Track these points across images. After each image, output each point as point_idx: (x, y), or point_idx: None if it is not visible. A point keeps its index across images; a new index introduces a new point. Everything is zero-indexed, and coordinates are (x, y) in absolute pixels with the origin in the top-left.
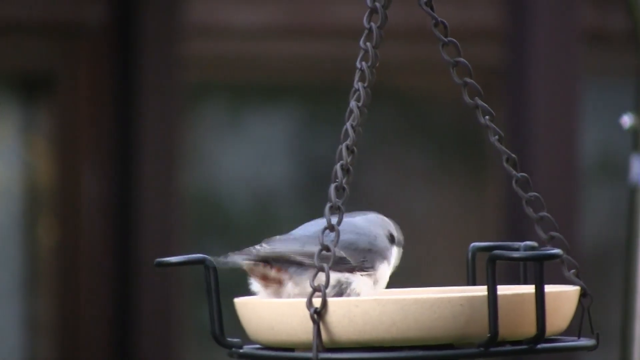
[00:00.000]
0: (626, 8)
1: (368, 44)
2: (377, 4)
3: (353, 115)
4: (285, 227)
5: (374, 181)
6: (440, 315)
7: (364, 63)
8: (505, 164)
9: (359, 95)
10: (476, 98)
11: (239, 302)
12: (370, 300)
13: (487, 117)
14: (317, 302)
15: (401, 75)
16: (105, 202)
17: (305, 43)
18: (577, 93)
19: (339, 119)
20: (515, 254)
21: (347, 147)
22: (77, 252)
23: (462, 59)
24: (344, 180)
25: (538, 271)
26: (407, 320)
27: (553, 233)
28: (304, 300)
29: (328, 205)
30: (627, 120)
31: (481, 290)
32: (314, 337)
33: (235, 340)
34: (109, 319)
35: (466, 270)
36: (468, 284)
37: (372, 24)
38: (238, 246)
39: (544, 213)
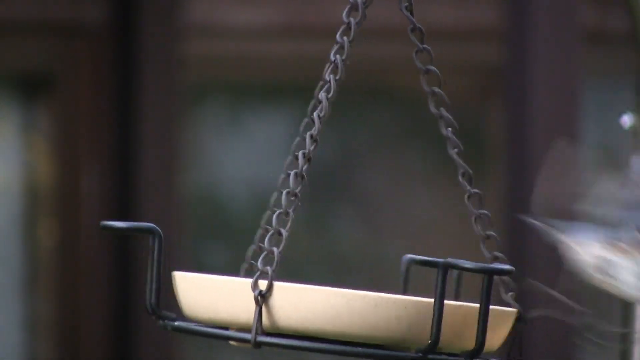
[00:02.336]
0: (626, 8)
1: (345, 38)
2: (359, 0)
3: (321, 106)
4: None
5: (373, 181)
6: (383, 315)
7: (338, 56)
8: (460, 179)
9: (329, 87)
10: (442, 109)
11: (180, 275)
12: (318, 289)
13: (449, 129)
14: (263, 284)
15: (400, 75)
16: (105, 202)
17: (306, 43)
18: (577, 93)
19: (340, 119)
20: (467, 264)
21: (312, 136)
22: (77, 252)
23: (433, 68)
24: (304, 168)
25: (486, 285)
26: (352, 316)
27: (497, 253)
28: (251, 280)
29: (285, 192)
30: (627, 120)
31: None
32: (254, 319)
33: (169, 313)
34: (109, 319)
35: (401, 281)
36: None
37: (352, 19)
38: (238, 246)
39: (491, 232)
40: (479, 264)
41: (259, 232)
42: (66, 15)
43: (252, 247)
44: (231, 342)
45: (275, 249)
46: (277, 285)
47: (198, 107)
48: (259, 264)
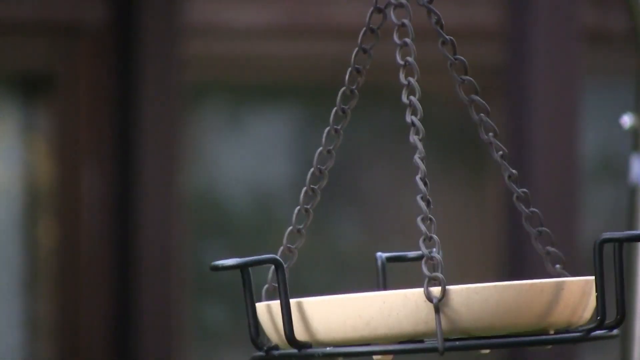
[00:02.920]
0: (626, 7)
1: (407, 39)
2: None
3: (413, 109)
4: (285, 227)
5: (373, 181)
6: (547, 300)
7: (408, 58)
8: (498, 159)
9: (413, 89)
10: (472, 95)
11: (314, 301)
12: (489, 287)
13: (481, 114)
14: (436, 290)
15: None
16: (106, 202)
17: (306, 43)
18: (577, 93)
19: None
20: (618, 235)
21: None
22: (77, 252)
23: (460, 57)
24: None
25: (618, 254)
26: (520, 307)
27: (549, 248)
28: (416, 290)
29: (419, 196)
30: (627, 120)
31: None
32: (437, 327)
33: (304, 341)
34: (109, 319)
35: (376, 277)
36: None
37: (405, 20)
38: (238, 246)
39: (543, 228)
40: (628, 232)
41: (281, 249)
42: (66, 16)
43: (272, 268)
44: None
45: (436, 254)
46: (451, 289)
47: (198, 107)
48: (424, 270)
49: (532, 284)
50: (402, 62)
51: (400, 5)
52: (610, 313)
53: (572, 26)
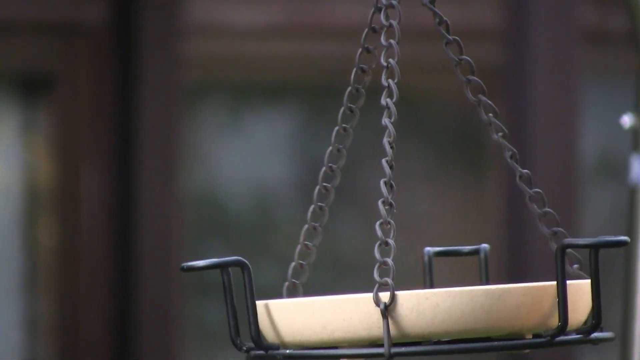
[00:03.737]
0: (626, 8)
1: (391, 40)
2: (392, 1)
3: (389, 112)
4: (285, 227)
5: (373, 181)
6: (506, 306)
7: (391, 60)
8: (509, 160)
9: (391, 92)
10: (480, 95)
11: (279, 302)
12: (441, 292)
13: (490, 114)
14: (385, 296)
15: (401, 74)
16: (106, 202)
17: (306, 43)
18: (577, 93)
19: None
20: (581, 241)
21: (389, 143)
22: (77, 252)
23: (465, 57)
24: (391, 177)
25: (594, 261)
26: (475, 312)
27: (556, 229)
28: (368, 295)
29: (380, 201)
30: (627, 120)
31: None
32: (384, 333)
33: (273, 343)
34: (109, 319)
35: (423, 273)
36: (425, 287)
37: (392, 21)
38: (238, 245)
39: (547, 209)
40: (592, 239)
41: (299, 247)
42: (66, 15)
43: (293, 264)
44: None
45: (389, 260)
46: (400, 294)
47: (198, 107)
48: (375, 276)
49: (486, 290)
50: (384, 64)
51: (391, 6)
52: (606, 317)
53: (572, 26)
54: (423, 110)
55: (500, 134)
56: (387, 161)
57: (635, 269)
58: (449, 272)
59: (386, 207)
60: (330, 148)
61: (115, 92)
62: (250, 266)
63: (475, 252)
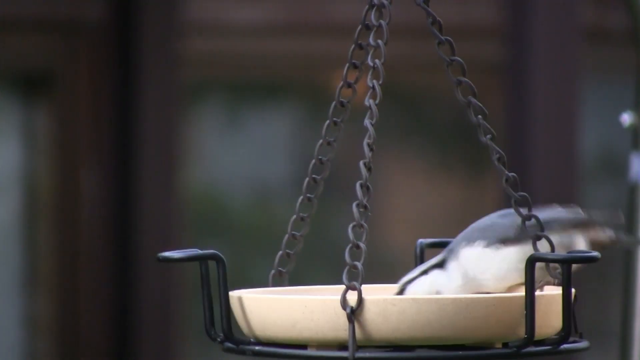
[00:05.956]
0: (626, 5)
1: (379, 40)
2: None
3: (370, 113)
4: (285, 225)
5: (374, 179)
6: (473, 316)
7: (377, 60)
8: (496, 163)
9: (375, 93)
10: (469, 97)
11: (252, 296)
12: (408, 299)
13: (479, 116)
14: (352, 299)
15: (401, 73)
16: (105, 201)
17: (305, 41)
18: (577, 91)
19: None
20: (551, 256)
21: (369, 145)
22: (77, 252)
23: (457, 58)
24: (368, 178)
25: (566, 273)
26: (442, 320)
27: (540, 233)
28: (336, 298)
29: (355, 204)
30: (626, 118)
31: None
32: (350, 336)
33: (244, 337)
34: (109, 318)
35: (415, 264)
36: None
37: (382, 21)
38: (238, 244)
39: (533, 213)
40: (565, 254)
41: (286, 237)
42: (66, 14)
43: (280, 253)
44: None
45: (358, 264)
46: (367, 299)
47: (198, 106)
48: (344, 279)
49: (454, 299)
50: (371, 64)
51: (383, 6)
52: (606, 317)
53: (572, 24)
54: (424, 108)
55: (488, 136)
56: (364, 163)
57: (635, 268)
58: None
59: (360, 210)
60: (320, 141)
61: (115, 91)
62: (225, 260)
63: None
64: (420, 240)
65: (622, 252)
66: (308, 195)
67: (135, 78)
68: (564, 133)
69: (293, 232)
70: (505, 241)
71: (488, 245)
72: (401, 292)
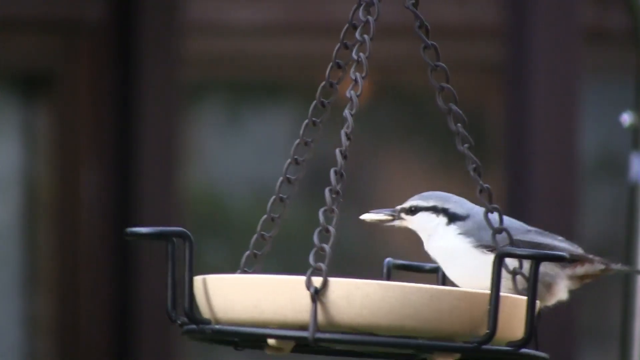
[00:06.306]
0: (626, 6)
1: (366, 36)
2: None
3: (350, 104)
4: (285, 225)
5: (374, 179)
6: (437, 307)
7: (361, 54)
8: (472, 173)
9: (356, 86)
10: (450, 104)
11: (215, 277)
12: (373, 284)
13: (459, 124)
14: (317, 280)
15: (401, 73)
16: (105, 202)
17: (305, 41)
18: (577, 91)
19: (339, 117)
20: (519, 251)
21: (346, 134)
22: (76, 251)
23: (441, 64)
24: (342, 165)
25: (533, 272)
26: (405, 309)
27: (509, 247)
28: (301, 277)
29: (327, 189)
30: (626, 118)
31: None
32: (311, 317)
33: (204, 317)
34: (109, 318)
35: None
36: None
37: (369, 17)
38: (237, 243)
39: (503, 226)
40: (531, 250)
41: (255, 236)
42: (66, 14)
43: (247, 253)
44: (269, 341)
45: (326, 246)
46: (332, 280)
47: (198, 105)
48: (311, 260)
49: (419, 288)
50: (355, 58)
51: (371, 4)
52: (606, 317)
53: (572, 24)
54: (424, 108)
55: (466, 145)
56: (340, 151)
57: (635, 267)
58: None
59: (333, 195)
60: (297, 140)
61: (115, 91)
62: (192, 238)
63: (434, 271)
64: (389, 259)
65: (622, 251)
66: (280, 195)
67: (135, 78)
68: (564, 133)
69: (262, 233)
70: (490, 248)
71: (477, 246)
72: (410, 209)
